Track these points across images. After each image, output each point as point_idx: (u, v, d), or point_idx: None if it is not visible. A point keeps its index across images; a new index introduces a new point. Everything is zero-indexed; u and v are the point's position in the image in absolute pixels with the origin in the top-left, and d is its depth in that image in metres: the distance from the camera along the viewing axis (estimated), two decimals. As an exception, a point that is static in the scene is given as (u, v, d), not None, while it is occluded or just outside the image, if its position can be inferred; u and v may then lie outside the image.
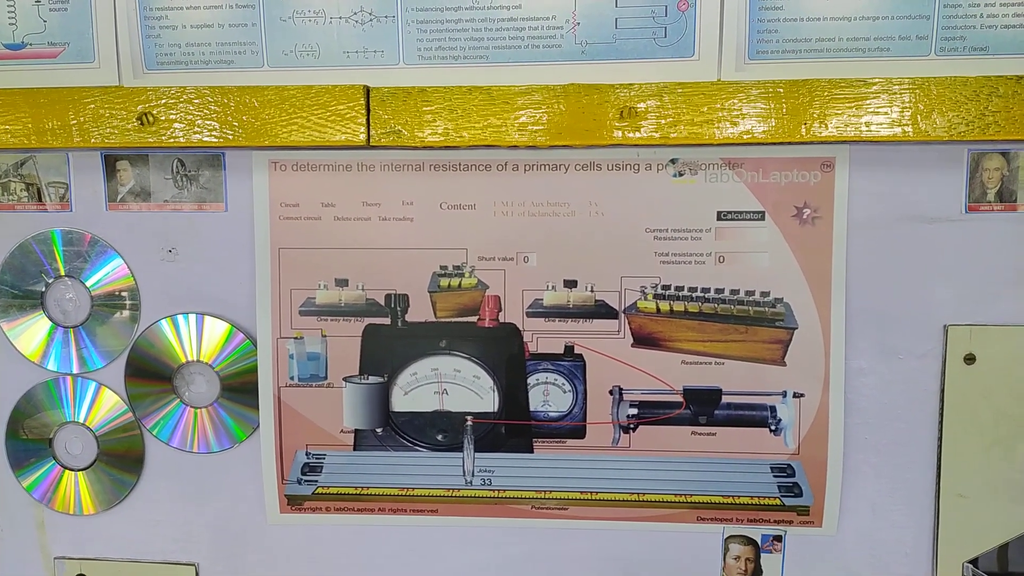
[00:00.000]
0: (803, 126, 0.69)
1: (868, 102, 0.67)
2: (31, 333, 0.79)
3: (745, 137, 0.69)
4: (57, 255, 0.78)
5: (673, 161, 0.73)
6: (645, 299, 0.74)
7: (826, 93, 0.68)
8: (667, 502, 0.75)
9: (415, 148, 0.74)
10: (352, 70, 0.74)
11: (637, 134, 0.70)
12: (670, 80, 0.70)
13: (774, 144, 0.70)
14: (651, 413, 0.74)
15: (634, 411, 0.74)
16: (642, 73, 0.72)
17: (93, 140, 0.74)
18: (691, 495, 0.75)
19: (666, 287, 0.74)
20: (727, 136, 0.70)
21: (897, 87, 0.67)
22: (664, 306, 0.74)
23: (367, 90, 0.72)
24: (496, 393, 0.76)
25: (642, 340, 0.74)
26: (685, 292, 0.73)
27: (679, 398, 0.74)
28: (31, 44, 0.76)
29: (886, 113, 0.67)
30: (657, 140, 0.70)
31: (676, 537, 0.76)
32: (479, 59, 0.73)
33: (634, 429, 0.75)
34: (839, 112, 0.68)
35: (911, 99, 0.67)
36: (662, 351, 0.74)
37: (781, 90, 0.68)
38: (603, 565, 0.78)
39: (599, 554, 0.77)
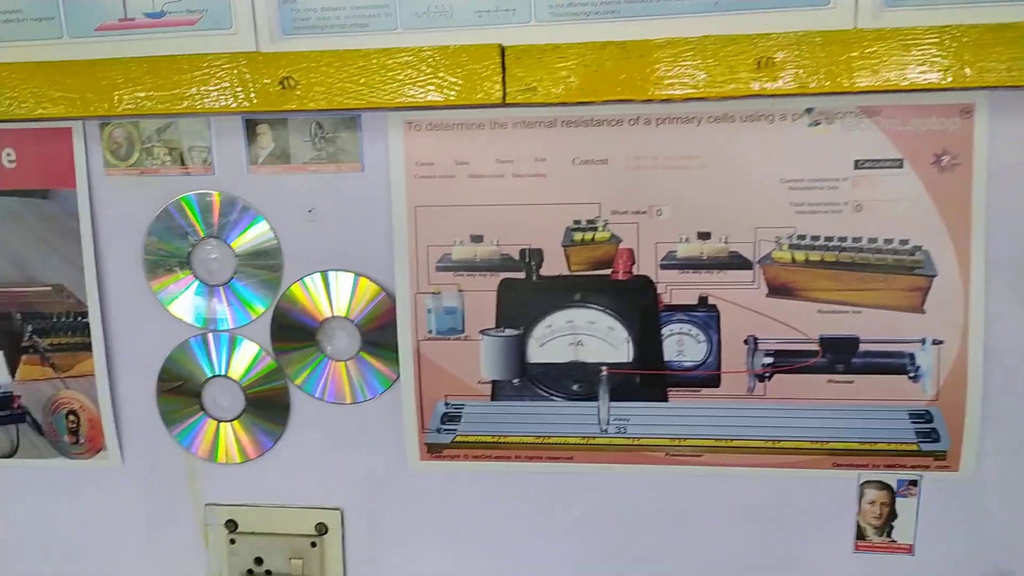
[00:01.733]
0: (943, 72, 0.69)
1: (1009, 49, 0.67)
2: (180, 293, 0.84)
3: (887, 85, 0.70)
4: (202, 217, 0.83)
5: (809, 111, 0.74)
6: (780, 249, 0.76)
7: (966, 39, 0.68)
8: (803, 449, 0.78)
9: (550, 105, 0.76)
10: (484, 29, 0.76)
11: (774, 84, 0.71)
12: (807, 29, 0.71)
13: (914, 91, 0.71)
14: (787, 362, 0.76)
15: (769, 360, 0.77)
16: (776, 23, 0.72)
17: (234, 105, 0.77)
18: (827, 442, 0.77)
19: (802, 237, 0.75)
20: (868, 85, 0.70)
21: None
22: (800, 256, 0.75)
23: (502, 49, 0.73)
24: (630, 344, 0.79)
25: (777, 290, 0.76)
26: (821, 242, 0.75)
27: (815, 347, 0.76)
28: (170, 12, 0.79)
29: (1037, 56, 0.67)
30: (794, 90, 0.71)
31: (811, 483, 0.79)
32: (611, 15, 0.75)
33: (769, 378, 0.77)
34: (981, 59, 0.68)
35: (1065, 41, 0.67)
36: (797, 300, 0.76)
37: (923, 37, 0.68)
38: (737, 511, 0.81)
39: (733, 501, 0.81)
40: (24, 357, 0.87)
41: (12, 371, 0.87)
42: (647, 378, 0.79)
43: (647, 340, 0.79)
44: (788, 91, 0.71)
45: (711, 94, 0.72)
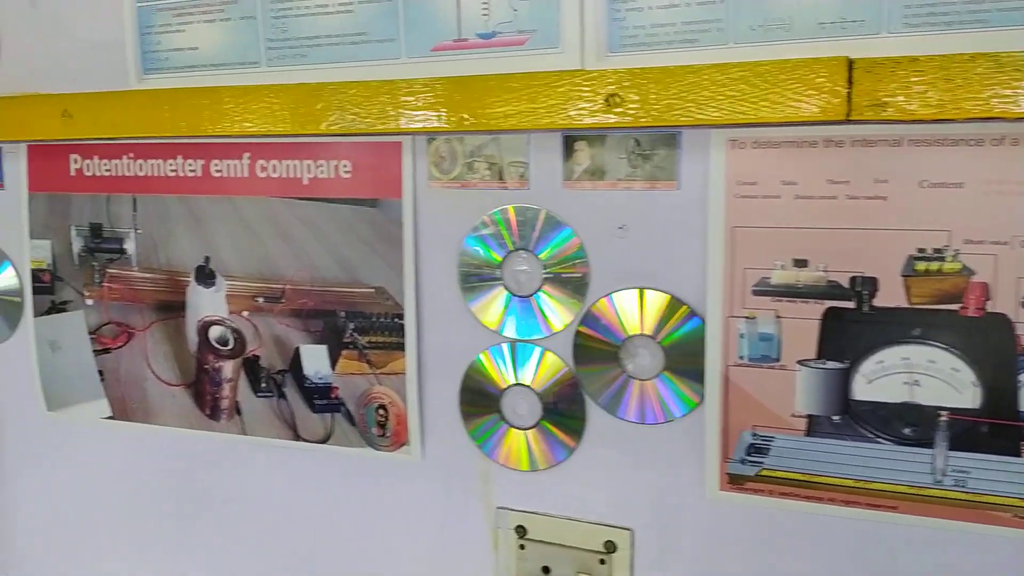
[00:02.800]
0: None
1: None
2: (489, 302, 0.87)
3: None
4: (514, 229, 0.85)
5: None
6: None
7: None
8: None
9: (899, 122, 0.69)
10: (826, 41, 0.71)
11: None
12: None
13: None
14: None
15: None
16: None
17: (560, 121, 0.78)
18: None
19: None
20: None
21: None
22: None
23: (850, 62, 0.68)
24: (978, 388, 0.70)
25: None
26: None
27: None
28: (501, 33, 0.82)
29: None
30: None
31: None
32: (978, 24, 0.67)
33: None
34: None
35: None
36: None
37: None
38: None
39: (1098, 577, 0.70)
40: (344, 352, 0.94)
41: (333, 364, 0.95)
42: (997, 428, 0.70)
43: (999, 386, 0.70)
44: None
45: (1107, 111, 0.63)
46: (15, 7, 1.03)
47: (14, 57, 1.04)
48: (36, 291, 1.07)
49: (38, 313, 1.07)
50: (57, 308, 1.06)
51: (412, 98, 0.84)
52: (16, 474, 1.15)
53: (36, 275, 1.07)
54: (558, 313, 0.85)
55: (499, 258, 0.86)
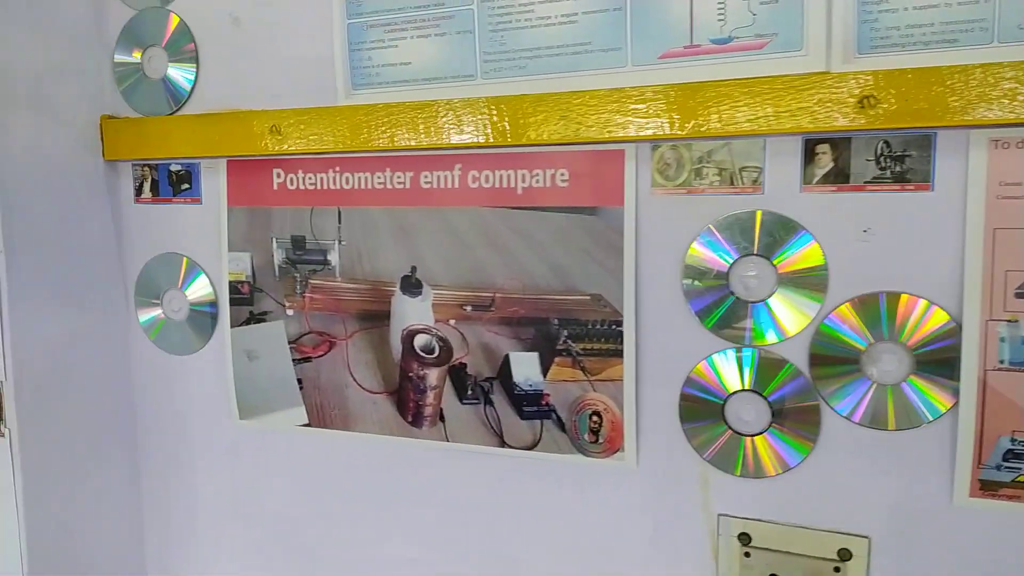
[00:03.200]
0: None
1: None
2: (714, 307, 0.87)
3: None
4: (746, 235, 0.84)
5: None
6: None
7: None
8: None
9: None
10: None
11: None
12: None
13: None
14: None
15: None
16: None
17: (806, 124, 0.78)
18: None
19: None
20: None
21: None
22: None
23: None
24: None
25: None
26: None
27: None
28: (738, 38, 0.82)
29: None
30: None
31: None
32: None
33: None
34: None
35: None
36: None
37: None
38: None
39: None
40: (557, 359, 0.94)
41: (545, 371, 0.95)
42: None
43: None
44: None
45: None
46: (216, 25, 1.05)
47: (214, 75, 1.07)
48: (234, 302, 1.09)
49: (236, 324, 1.09)
50: (256, 319, 1.08)
51: (643, 105, 0.84)
52: (204, 481, 1.17)
53: (234, 287, 1.09)
54: (791, 318, 0.84)
55: (727, 263, 0.86)
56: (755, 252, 0.85)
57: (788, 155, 0.83)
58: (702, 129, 0.82)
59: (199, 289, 1.12)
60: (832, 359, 0.83)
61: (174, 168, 1.11)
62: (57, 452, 1.06)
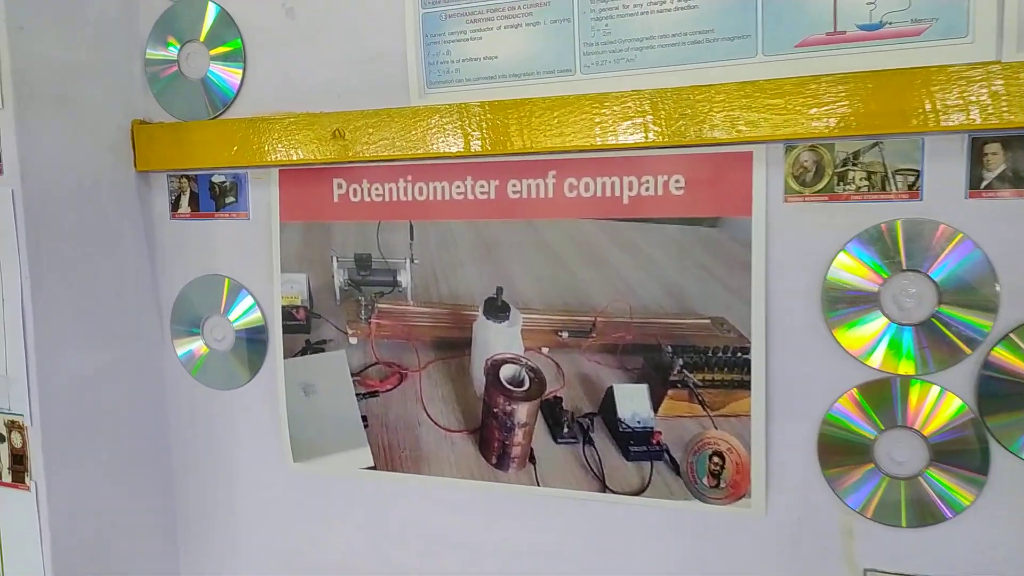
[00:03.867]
0: None
1: None
2: (861, 330, 0.75)
3: None
4: (899, 247, 0.73)
5: None
6: None
7: None
8: None
9: None
10: None
11: None
12: None
13: None
14: None
15: None
16: None
17: (976, 121, 0.66)
18: None
19: None
20: None
21: None
22: None
23: None
24: None
25: None
26: None
27: None
28: (891, 23, 0.71)
29: None
30: None
31: None
32: None
33: None
34: None
35: None
36: None
37: None
38: None
39: None
40: (671, 392, 0.82)
41: (656, 405, 0.83)
42: None
43: None
44: None
45: None
46: (267, 19, 0.93)
47: (265, 73, 0.94)
48: (288, 330, 0.96)
49: (290, 354, 0.96)
50: (314, 348, 0.95)
51: (780, 100, 0.73)
52: (251, 533, 1.03)
53: (288, 312, 0.96)
54: (956, 344, 0.72)
55: (878, 280, 0.74)
56: (910, 268, 0.73)
57: (951, 156, 0.71)
58: (852, 127, 0.71)
59: (245, 313, 0.99)
60: (1006, 392, 0.71)
61: (217, 179, 0.98)
62: (87, 507, 0.92)
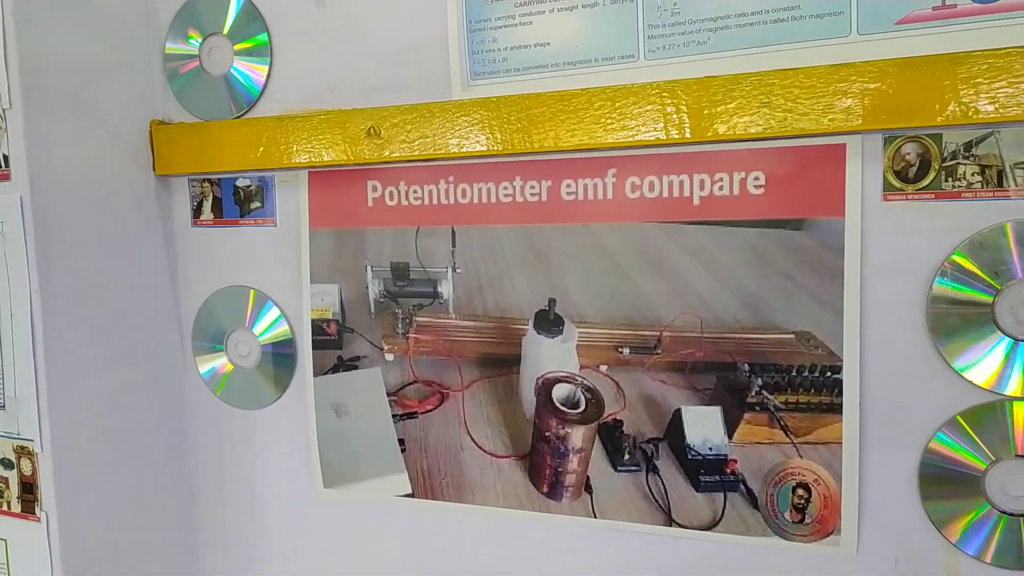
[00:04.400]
0: None
1: None
2: (973, 348, 0.65)
3: None
4: (1017, 253, 0.63)
5: None
6: None
7: None
8: None
9: None
10: None
11: None
12: None
13: None
14: None
15: None
16: None
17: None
18: None
19: None
20: None
21: None
22: None
23: None
24: None
25: None
26: None
27: None
28: (1013, -6, 0.61)
29: None
30: None
31: None
32: None
33: None
34: None
35: None
36: None
37: None
38: None
39: None
40: (748, 416, 0.72)
41: (730, 431, 0.73)
42: None
43: None
44: None
45: None
46: (295, 9, 0.85)
47: (293, 68, 0.86)
48: (318, 345, 0.87)
49: (320, 371, 0.88)
50: (346, 365, 0.86)
51: (878, 84, 0.63)
52: (278, 564, 0.95)
53: (318, 327, 0.87)
54: (1086, 362, 0.62)
55: (993, 290, 0.64)
56: (1033, 275, 0.63)
57: (1084, 146, 0.62)
58: (969, 114, 0.61)
59: (271, 326, 0.90)
60: None
61: (241, 183, 0.90)
62: (102, 540, 0.84)
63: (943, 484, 0.68)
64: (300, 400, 0.90)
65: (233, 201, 0.91)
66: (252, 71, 0.87)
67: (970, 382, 0.66)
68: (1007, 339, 0.64)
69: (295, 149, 0.83)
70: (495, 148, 0.75)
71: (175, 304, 0.94)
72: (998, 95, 0.60)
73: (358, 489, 0.88)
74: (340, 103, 0.83)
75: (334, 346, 0.87)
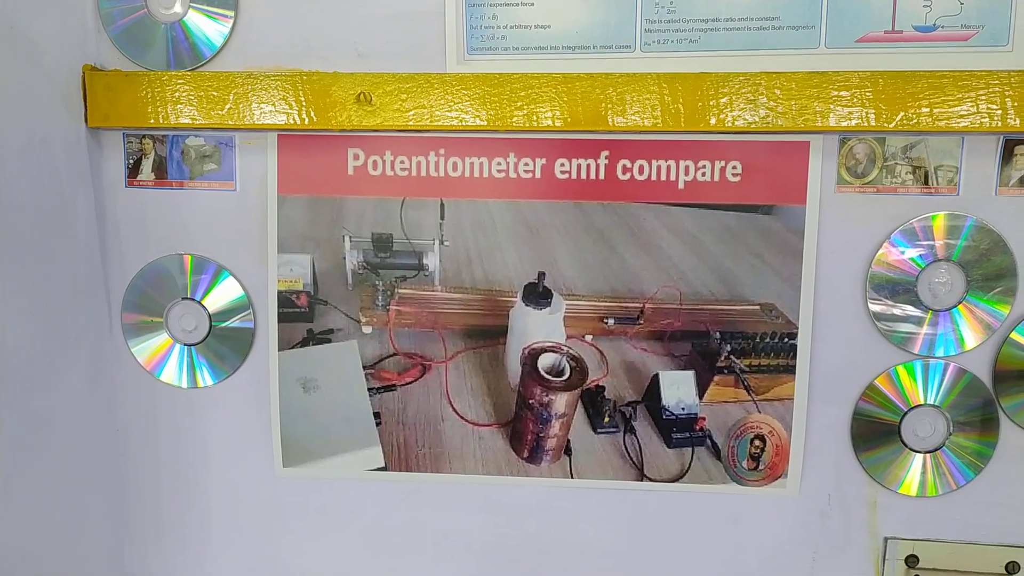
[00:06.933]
0: None
1: None
2: (898, 316, 0.77)
3: None
4: (938, 238, 0.76)
5: None
6: None
7: None
8: None
9: None
10: None
11: None
12: None
13: None
14: None
15: None
16: None
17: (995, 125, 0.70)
18: None
19: None
20: None
21: None
22: None
23: None
24: None
25: None
26: None
27: None
28: (943, 27, 0.73)
29: None
30: None
31: None
32: None
33: None
34: None
35: None
36: None
37: None
38: None
39: None
40: (717, 378, 0.79)
41: (701, 392, 0.80)
42: None
43: None
44: None
45: None
46: (267, -40, 0.77)
47: (262, 20, 0.78)
48: (285, 318, 0.81)
49: (287, 345, 0.81)
50: (317, 339, 0.81)
51: (847, 93, 0.72)
52: (224, 556, 0.87)
53: (286, 298, 0.81)
54: (972, 330, 0.76)
55: (917, 269, 0.76)
56: (947, 257, 0.76)
57: (984, 155, 0.75)
58: (911, 123, 0.72)
59: (226, 299, 0.82)
60: (1019, 373, 0.76)
61: (193, 142, 0.80)
62: (25, 537, 0.72)
63: (870, 429, 0.79)
64: (257, 377, 0.82)
65: (181, 161, 0.81)
66: (211, 22, 0.78)
67: (893, 344, 0.78)
68: (922, 308, 0.77)
69: (268, 110, 0.76)
70: (495, 124, 0.75)
71: (103, 273, 0.82)
72: (933, 110, 0.72)
73: (324, 466, 0.83)
74: (319, 66, 0.77)
75: (304, 319, 0.81)
